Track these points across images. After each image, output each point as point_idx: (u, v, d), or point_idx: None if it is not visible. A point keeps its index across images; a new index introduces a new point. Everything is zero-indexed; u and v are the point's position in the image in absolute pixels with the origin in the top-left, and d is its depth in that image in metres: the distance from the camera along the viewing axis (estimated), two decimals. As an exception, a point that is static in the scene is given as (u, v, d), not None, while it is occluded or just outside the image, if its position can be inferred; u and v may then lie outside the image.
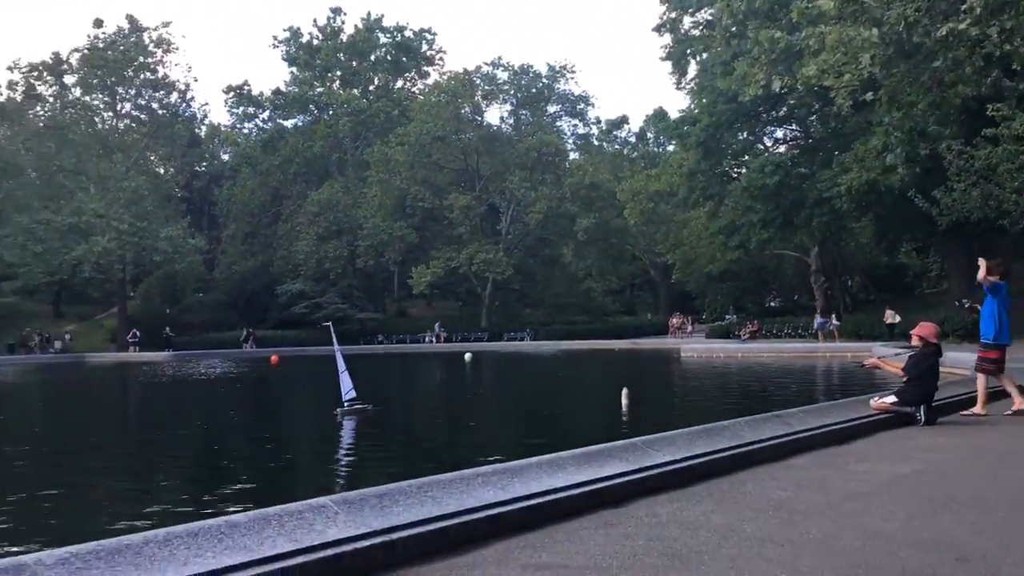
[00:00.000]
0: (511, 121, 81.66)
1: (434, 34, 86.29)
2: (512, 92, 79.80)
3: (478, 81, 76.70)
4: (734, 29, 31.03)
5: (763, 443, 8.25)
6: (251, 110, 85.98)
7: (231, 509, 9.34)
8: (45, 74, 73.48)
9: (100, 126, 75.58)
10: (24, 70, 72.97)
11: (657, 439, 7.53)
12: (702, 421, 9.20)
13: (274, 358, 49.59)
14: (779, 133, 56.38)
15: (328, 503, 4.77)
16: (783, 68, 25.22)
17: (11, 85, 73.17)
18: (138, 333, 65.63)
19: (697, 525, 5.61)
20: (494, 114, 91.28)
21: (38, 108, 74.07)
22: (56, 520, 10.29)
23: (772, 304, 71.98)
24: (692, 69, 56.18)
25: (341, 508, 4.76)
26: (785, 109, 49.83)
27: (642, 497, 6.38)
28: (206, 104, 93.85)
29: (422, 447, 15.92)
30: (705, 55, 51.46)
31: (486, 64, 79.71)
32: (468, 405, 23.74)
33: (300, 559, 4.15)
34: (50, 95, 74.77)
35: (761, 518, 5.80)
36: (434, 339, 68.21)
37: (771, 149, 55.35)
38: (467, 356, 45.94)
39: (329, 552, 4.31)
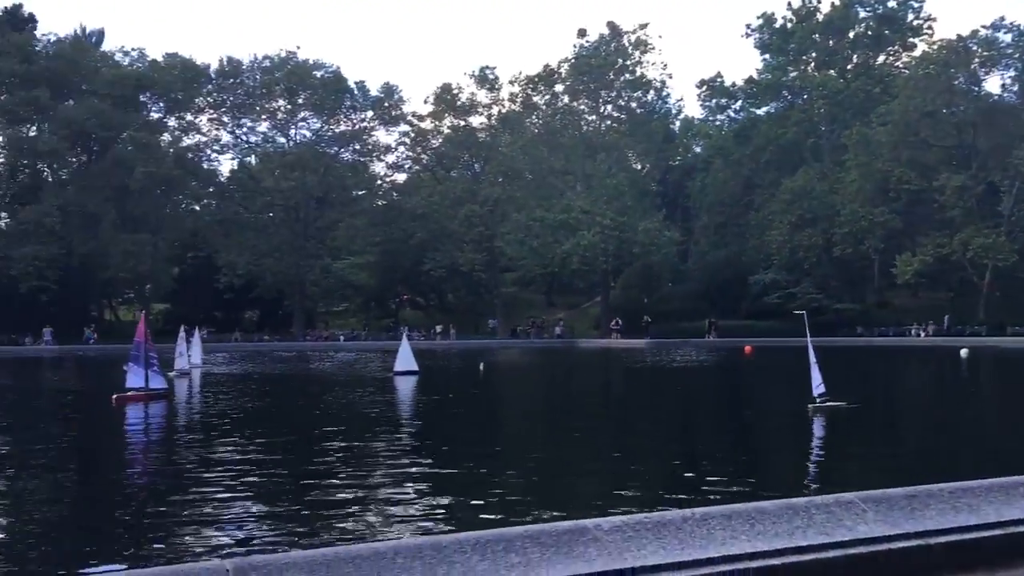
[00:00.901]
0: (1015, 89, 72.16)
1: (921, 1, 79.31)
2: (1017, 56, 70.44)
3: (975, 47, 68.95)
4: None
5: None
6: (723, 101, 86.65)
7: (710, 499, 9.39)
8: (539, 85, 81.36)
9: (585, 128, 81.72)
10: (522, 83, 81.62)
11: None
12: None
13: (748, 348, 49.49)
14: None
15: (855, 499, 4.51)
16: None
17: (512, 97, 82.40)
18: (620, 321, 69.94)
19: None
20: (994, 83, 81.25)
21: (533, 116, 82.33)
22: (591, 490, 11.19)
23: None
24: None
25: (868, 506, 4.48)
26: None
27: None
28: (680, 100, 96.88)
29: (907, 450, 14.68)
30: None
31: (984, 28, 71.22)
32: (960, 409, 21.41)
33: (832, 553, 3.97)
34: (543, 104, 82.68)
35: None
36: (920, 332, 62.91)
37: None
38: (963, 352, 41.55)
39: (862, 549, 4.07)
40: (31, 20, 74.12)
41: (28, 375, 37.66)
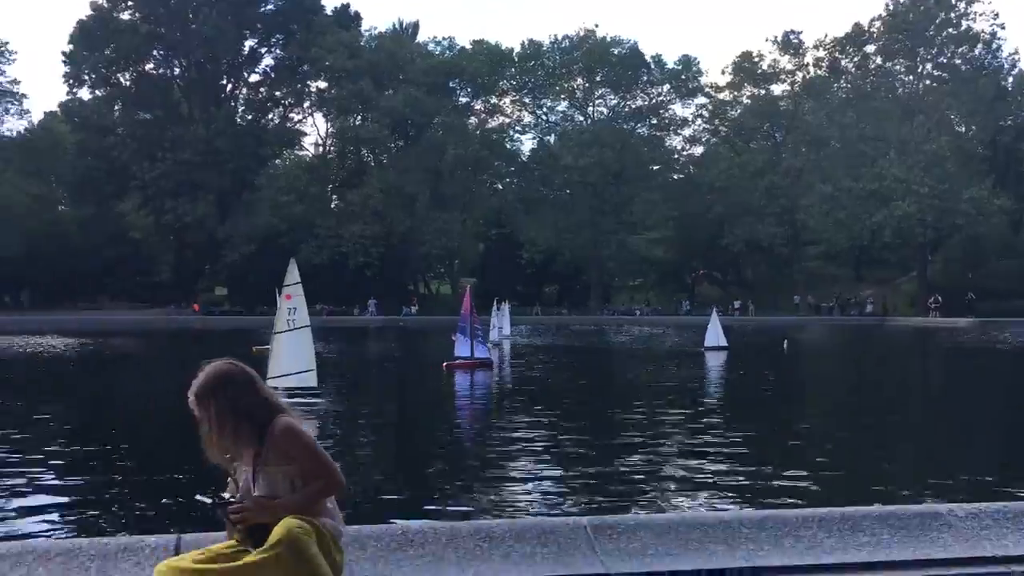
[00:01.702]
0: None
1: None
2: None
3: None
4: None
5: None
6: (1067, 51, 76.45)
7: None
8: (848, 46, 76.34)
9: (900, 91, 75.66)
10: (828, 46, 76.99)
11: None
12: None
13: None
14: None
15: None
16: None
17: (817, 62, 77.99)
18: (939, 298, 64.27)
19: None
20: None
21: (841, 81, 77.43)
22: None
23: None
24: None
25: None
26: None
27: None
28: (1014, 53, 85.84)
29: None
30: None
31: None
32: None
33: None
34: (852, 66, 77.46)
35: None
36: None
37: None
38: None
39: None
40: (357, 18, 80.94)
41: (359, 343, 41.38)
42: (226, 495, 3.21)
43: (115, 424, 15.31)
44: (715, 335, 31.80)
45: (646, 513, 7.08)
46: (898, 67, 76.28)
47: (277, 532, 3.01)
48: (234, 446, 3.27)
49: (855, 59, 77.26)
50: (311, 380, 16.03)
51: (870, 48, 76.21)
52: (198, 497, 3.18)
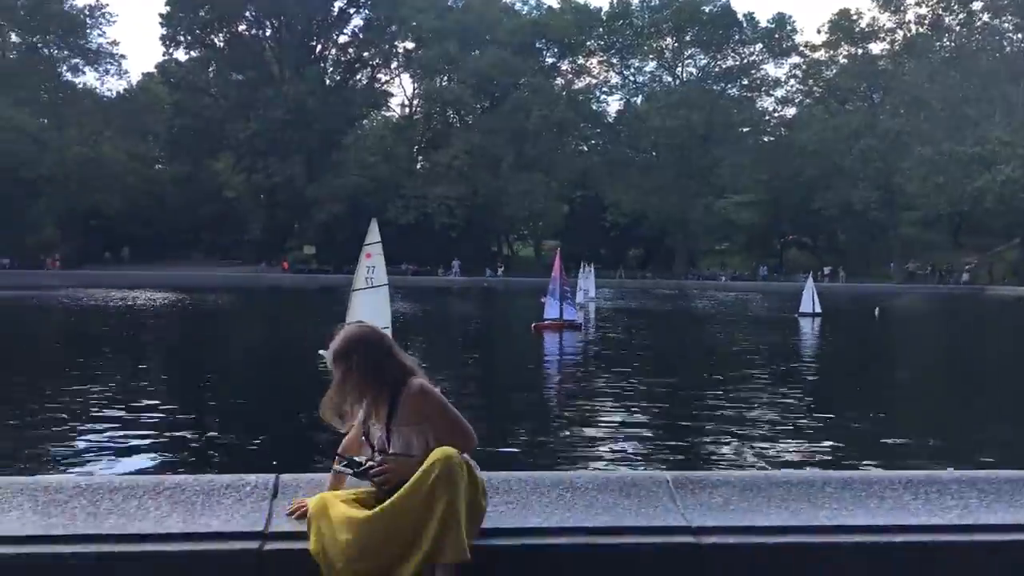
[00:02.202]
0: None
1: None
2: None
3: None
4: None
5: None
6: None
7: None
8: (952, 3, 72.98)
9: (1007, 49, 72.11)
10: (932, 3, 73.70)
11: None
12: None
13: None
14: None
15: None
16: None
17: (919, 20, 74.84)
18: (1043, 267, 61.53)
19: None
20: None
21: (944, 39, 74.16)
22: None
23: None
24: None
25: None
26: None
27: None
28: None
29: None
30: None
31: None
32: None
33: None
34: (956, 23, 74.10)
35: None
36: None
37: None
38: None
39: None
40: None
41: (444, 302, 41.92)
42: (359, 459, 3.34)
43: (214, 373, 15.99)
44: (809, 301, 31.60)
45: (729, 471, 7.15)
46: (1006, 24, 72.65)
47: (434, 455, 3.13)
48: (369, 405, 3.40)
49: (960, 16, 73.85)
50: (386, 339, 16.47)
51: (976, 4, 72.70)
52: (337, 468, 3.32)
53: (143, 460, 8.60)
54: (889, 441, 10.08)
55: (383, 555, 3.09)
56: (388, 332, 15.89)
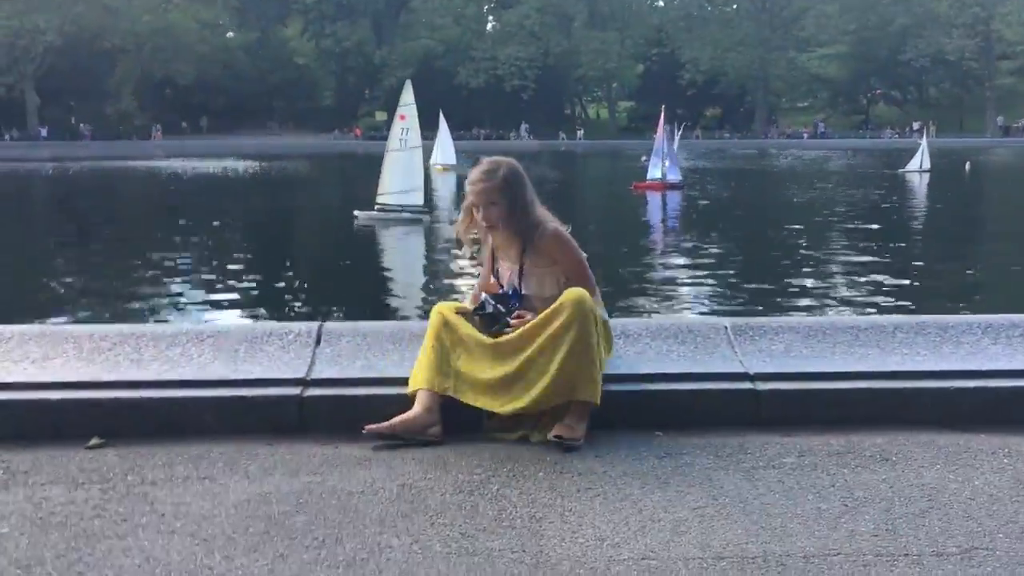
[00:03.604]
0: None
1: None
2: None
3: None
4: None
5: None
6: None
7: None
8: None
9: None
10: None
11: None
12: None
13: None
14: None
15: None
16: None
17: None
18: None
19: None
20: None
21: None
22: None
23: None
24: None
25: None
26: None
27: None
28: None
29: None
30: None
31: None
32: None
33: None
34: None
35: None
36: None
37: None
38: None
39: None
40: None
41: (527, 167, 41.78)
42: (489, 299, 3.24)
43: (280, 233, 16.53)
44: (920, 159, 31.77)
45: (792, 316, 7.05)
46: None
47: (568, 294, 3.09)
48: (505, 242, 3.34)
49: None
50: (418, 199, 16.91)
51: None
52: (478, 313, 3.22)
53: (197, 311, 9.11)
54: (973, 292, 9.83)
55: (514, 386, 3.05)
56: (419, 194, 16.24)
